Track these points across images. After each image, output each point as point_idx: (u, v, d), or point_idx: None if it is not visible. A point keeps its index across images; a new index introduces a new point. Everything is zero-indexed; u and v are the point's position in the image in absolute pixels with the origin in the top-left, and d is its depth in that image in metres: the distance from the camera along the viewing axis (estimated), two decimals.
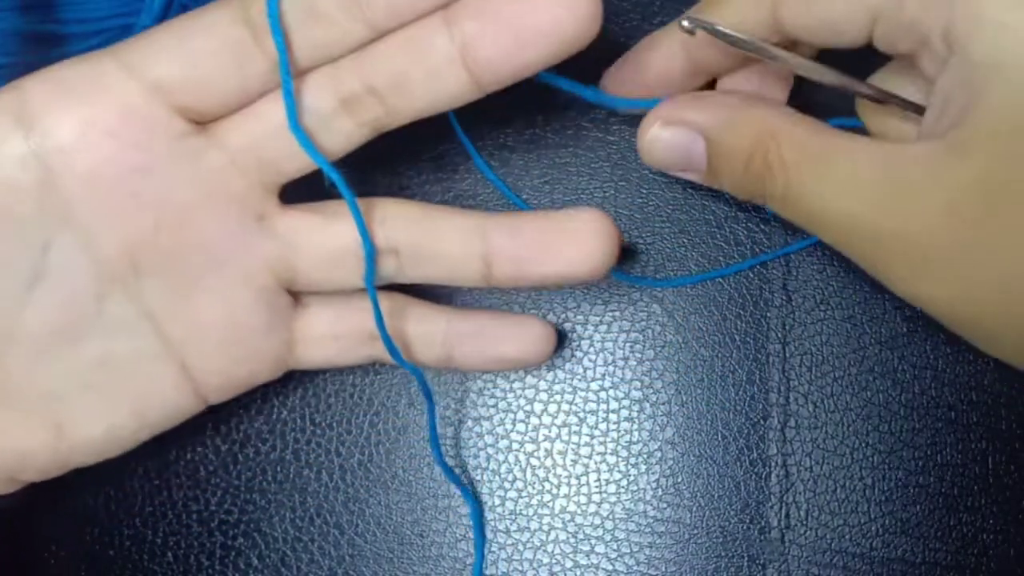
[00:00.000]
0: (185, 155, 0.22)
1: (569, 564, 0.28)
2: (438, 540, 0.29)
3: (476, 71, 0.21)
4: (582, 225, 0.23)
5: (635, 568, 0.28)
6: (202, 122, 0.23)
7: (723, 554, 0.28)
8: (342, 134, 0.23)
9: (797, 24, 0.22)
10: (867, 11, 0.21)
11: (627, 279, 0.28)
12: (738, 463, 0.28)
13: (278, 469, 0.29)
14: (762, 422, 0.28)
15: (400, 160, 0.28)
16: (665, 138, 0.23)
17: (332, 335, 0.25)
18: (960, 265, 0.19)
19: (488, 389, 0.29)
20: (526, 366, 0.27)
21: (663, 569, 0.28)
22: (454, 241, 0.24)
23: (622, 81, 0.25)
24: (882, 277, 0.21)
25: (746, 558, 0.28)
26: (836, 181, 0.20)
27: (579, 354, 0.29)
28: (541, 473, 0.29)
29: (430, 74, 0.22)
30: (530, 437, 0.29)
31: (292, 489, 0.29)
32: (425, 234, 0.24)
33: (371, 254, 0.23)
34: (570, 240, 0.23)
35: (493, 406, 0.29)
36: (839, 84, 0.23)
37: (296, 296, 0.25)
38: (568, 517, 0.29)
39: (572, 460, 0.29)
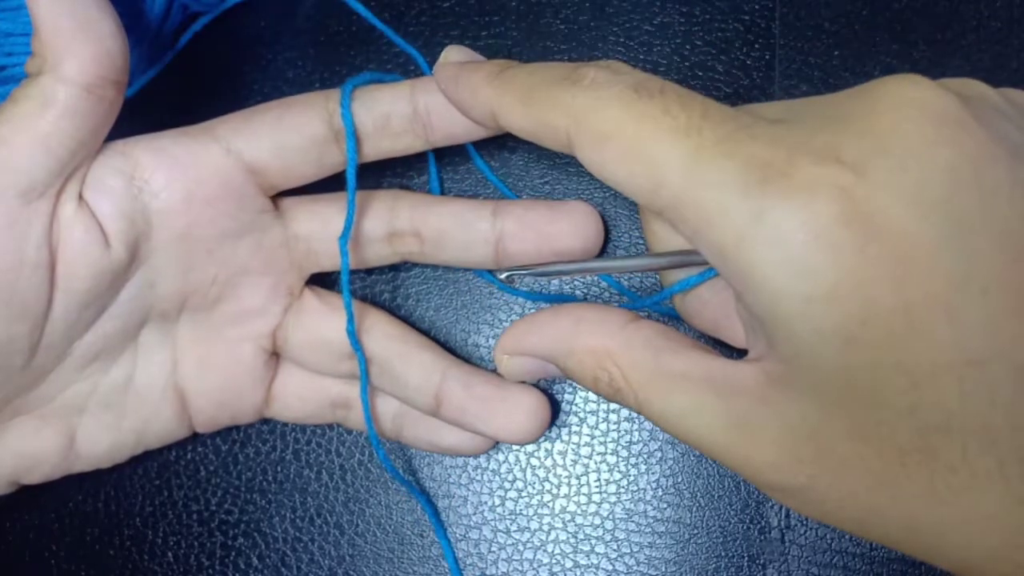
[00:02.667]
0: (258, 227, 0.26)
1: (569, 564, 0.28)
2: (438, 540, 0.29)
3: (500, 255, 0.26)
4: (522, 402, 0.26)
5: (635, 568, 0.28)
6: (276, 196, 0.26)
7: (723, 554, 0.28)
8: (378, 254, 0.27)
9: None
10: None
11: (626, 294, 0.28)
12: None
13: (278, 469, 0.29)
14: None
15: (401, 160, 0.28)
16: (516, 367, 0.24)
17: (300, 397, 0.28)
18: (804, 497, 0.19)
19: None
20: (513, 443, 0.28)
21: (663, 569, 0.28)
22: (416, 372, 0.27)
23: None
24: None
25: (746, 558, 0.28)
26: (680, 407, 0.20)
27: None
28: (541, 473, 0.29)
29: (466, 243, 0.27)
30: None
31: (292, 489, 0.29)
32: (396, 356, 0.27)
33: (363, 362, 0.27)
34: (509, 411, 0.26)
35: None
36: (675, 264, 0.22)
37: (278, 357, 0.28)
38: (568, 517, 0.29)
39: (572, 460, 0.29)
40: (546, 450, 0.29)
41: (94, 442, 0.26)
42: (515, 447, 0.29)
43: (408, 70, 0.30)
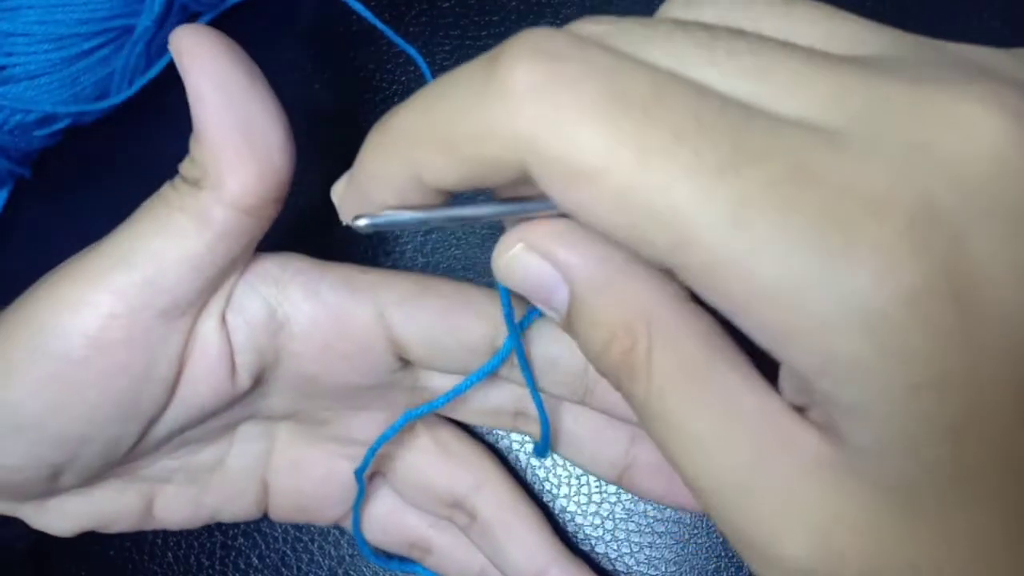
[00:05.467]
0: (386, 383, 0.25)
1: None
2: None
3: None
4: None
5: (635, 568, 0.28)
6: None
7: (723, 554, 0.28)
8: (500, 423, 0.27)
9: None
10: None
11: None
12: None
13: None
14: None
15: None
16: (520, 267, 0.17)
17: (383, 528, 0.28)
18: None
19: None
20: None
21: (663, 569, 0.28)
22: (518, 551, 0.26)
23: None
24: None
25: None
26: (704, 431, 0.16)
27: None
28: (541, 473, 0.29)
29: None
30: (530, 437, 0.29)
31: None
32: (502, 526, 0.26)
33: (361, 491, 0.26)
34: None
35: None
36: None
37: (373, 476, 0.27)
38: (568, 517, 0.29)
39: None
40: None
41: (172, 511, 0.26)
42: (515, 447, 0.29)
43: (408, 70, 0.30)
